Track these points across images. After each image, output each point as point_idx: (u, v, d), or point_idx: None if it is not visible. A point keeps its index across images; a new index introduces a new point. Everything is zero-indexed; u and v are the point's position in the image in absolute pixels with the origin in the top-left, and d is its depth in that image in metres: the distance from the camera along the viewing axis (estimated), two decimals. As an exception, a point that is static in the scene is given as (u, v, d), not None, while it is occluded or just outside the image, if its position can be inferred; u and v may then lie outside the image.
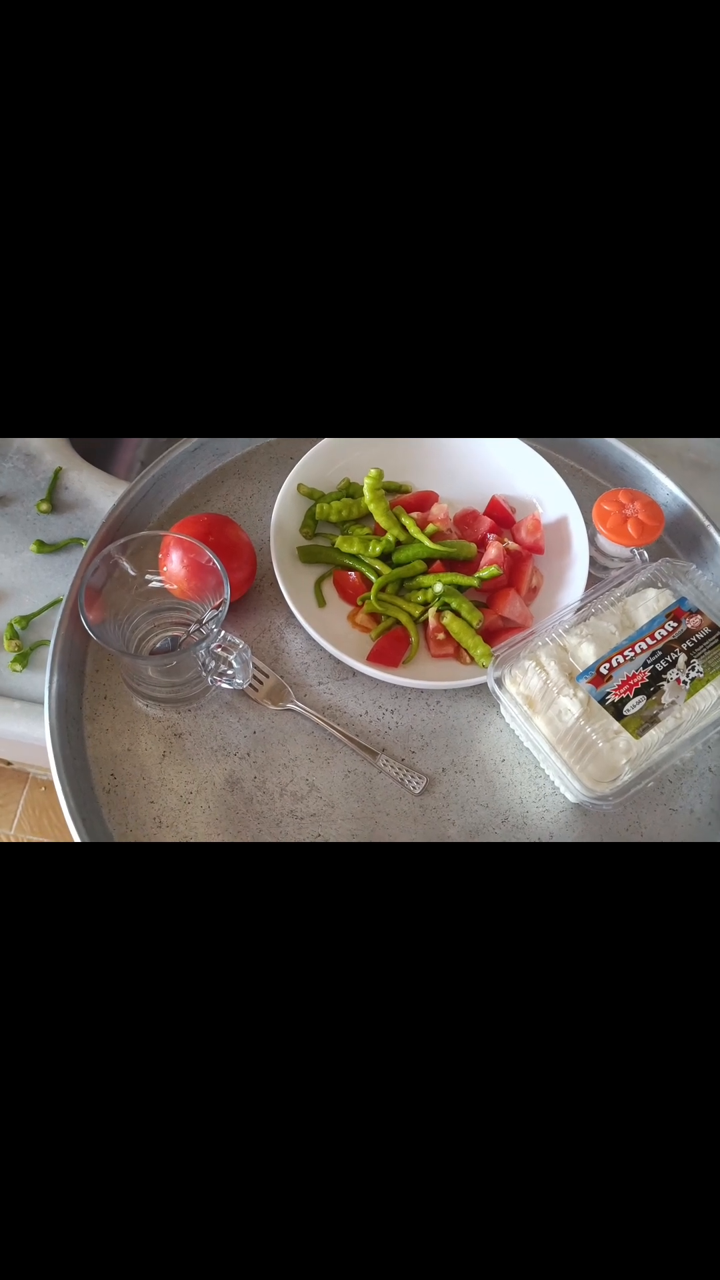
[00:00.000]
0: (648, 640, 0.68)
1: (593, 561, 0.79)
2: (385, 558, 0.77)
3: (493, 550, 0.76)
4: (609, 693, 0.66)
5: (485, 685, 0.70)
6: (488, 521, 0.79)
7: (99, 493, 0.88)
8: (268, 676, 0.73)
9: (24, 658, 0.79)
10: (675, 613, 0.70)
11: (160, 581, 0.71)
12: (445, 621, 0.73)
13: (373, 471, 0.77)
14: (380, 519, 0.77)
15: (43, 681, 0.71)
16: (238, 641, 0.66)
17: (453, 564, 0.77)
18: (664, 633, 0.69)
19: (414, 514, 0.78)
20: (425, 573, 0.76)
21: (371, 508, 0.77)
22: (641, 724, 0.65)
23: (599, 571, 0.80)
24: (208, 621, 0.67)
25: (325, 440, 0.81)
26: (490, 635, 0.74)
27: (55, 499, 0.87)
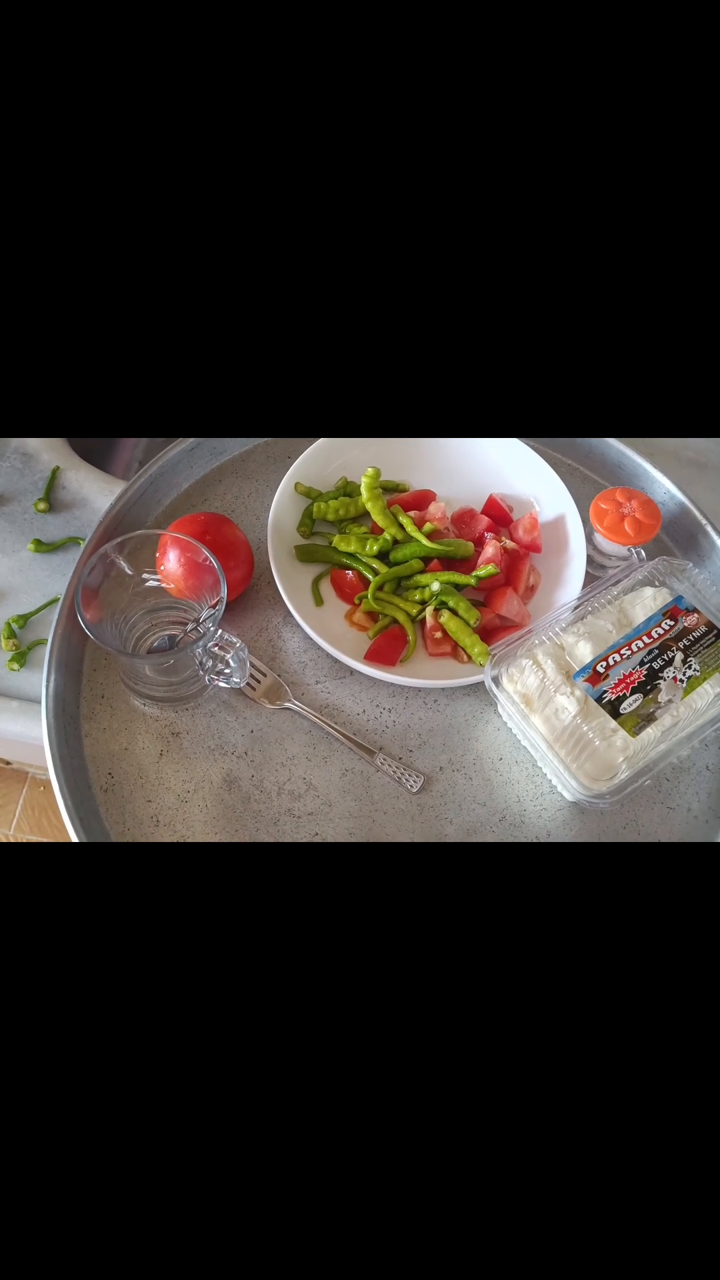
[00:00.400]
0: (645, 638, 0.68)
1: (590, 560, 0.79)
2: (383, 556, 0.77)
3: (490, 549, 0.76)
4: (606, 691, 0.66)
5: (482, 684, 0.70)
6: (485, 520, 0.79)
7: (96, 492, 0.88)
8: (265, 675, 0.73)
9: (21, 657, 0.79)
10: (672, 611, 0.70)
11: (157, 580, 0.71)
12: (442, 620, 0.73)
13: (370, 470, 0.77)
14: (378, 518, 0.77)
15: (40, 680, 0.71)
16: (235, 640, 0.66)
17: (450, 563, 0.77)
18: (661, 631, 0.69)
19: (411, 513, 0.78)
20: (423, 571, 0.76)
21: (369, 506, 0.77)
22: (638, 722, 0.65)
23: (596, 570, 0.80)
24: (205, 620, 0.68)
25: (322, 439, 0.81)
26: (487, 634, 0.74)
27: (53, 498, 0.87)
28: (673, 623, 0.69)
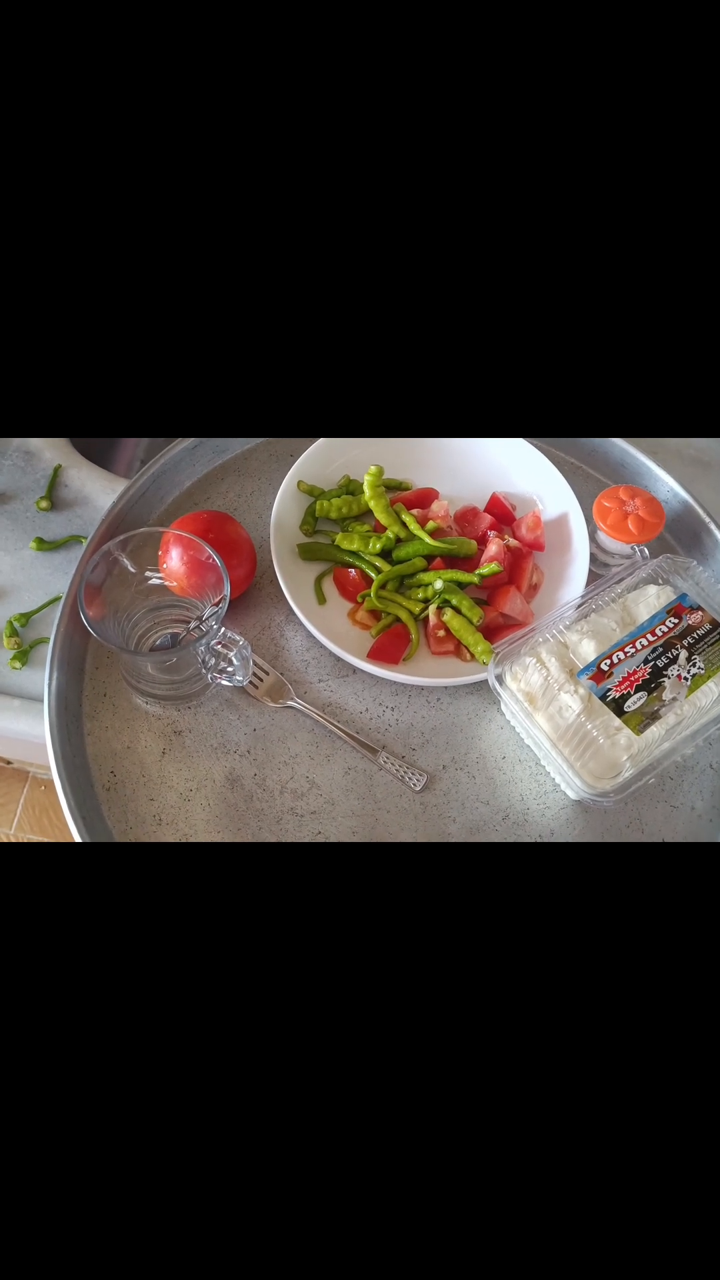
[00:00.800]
0: (648, 637, 0.68)
1: (593, 558, 0.79)
2: (385, 555, 0.77)
3: (493, 547, 0.76)
4: (610, 689, 0.66)
5: (486, 682, 0.70)
6: (488, 518, 0.79)
7: (98, 490, 0.88)
8: (268, 674, 0.73)
9: (23, 655, 0.79)
10: (676, 609, 0.70)
11: (160, 578, 0.71)
12: (446, 618, 0.73)
13: (373, 469, 0.77)
14: (380, 516, 0.77)
15: (42, 679, 0.71)
16: (238, 638, 0.66)
17: (453, 561, 0.77)
18: (665, 629, 0.68)
19: (414, 511, 0.78)
20: (425, 570, 0.76)
21: (372, 505, 0.77)
22: (642, 720, 0.65)
23: (599, 568, 0.80)
24: (208, 618, 0.67)
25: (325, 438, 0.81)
26: (491, 632, 0.74)
27: (55, 496, 0.87)
28: (676, 620, 0.69)
